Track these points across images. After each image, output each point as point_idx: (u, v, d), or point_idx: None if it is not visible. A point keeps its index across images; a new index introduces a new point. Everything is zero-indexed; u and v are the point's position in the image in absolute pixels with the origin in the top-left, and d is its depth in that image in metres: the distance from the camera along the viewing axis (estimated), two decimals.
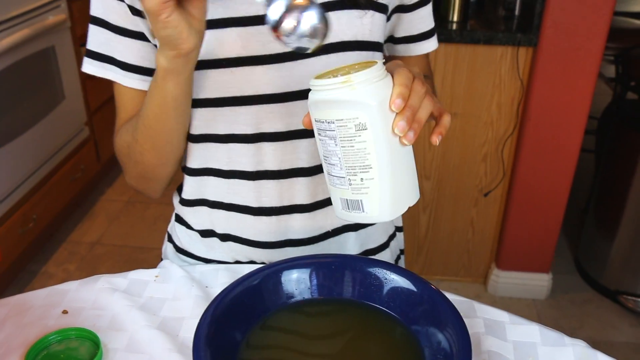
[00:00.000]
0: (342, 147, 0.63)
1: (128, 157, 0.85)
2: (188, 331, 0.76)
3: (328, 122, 0.62)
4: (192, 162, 0.89)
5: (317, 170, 0.86)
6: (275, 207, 0.87)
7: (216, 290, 0.82)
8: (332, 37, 0.80)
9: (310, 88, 0.64)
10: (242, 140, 0.84)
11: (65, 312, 0.81)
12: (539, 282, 2.24)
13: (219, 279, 0.86)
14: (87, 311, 0.81)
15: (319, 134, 0.65)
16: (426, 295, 0.69)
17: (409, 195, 0.67)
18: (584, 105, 1.92)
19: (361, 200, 0.65)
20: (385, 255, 0.98)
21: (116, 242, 2.63)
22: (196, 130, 0.85)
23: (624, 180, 2.10)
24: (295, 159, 0.84)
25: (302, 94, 0.81)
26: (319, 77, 0.65)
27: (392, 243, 1.01)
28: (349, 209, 0.66)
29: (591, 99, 1.91)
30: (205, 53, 0.78)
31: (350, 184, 0.64)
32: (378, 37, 0.84)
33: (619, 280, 2.21)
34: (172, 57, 0.69)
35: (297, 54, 0.79)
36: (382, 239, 0.97)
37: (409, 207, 0.68)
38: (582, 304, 2.24)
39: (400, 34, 0.94)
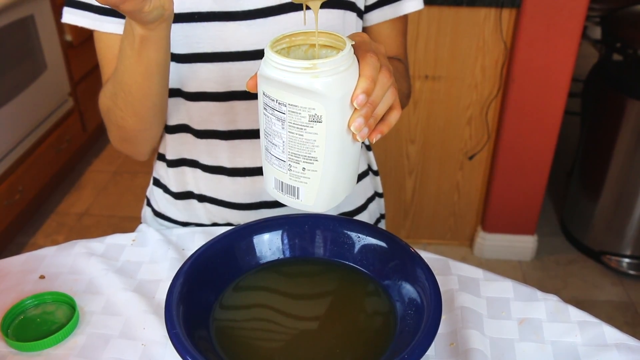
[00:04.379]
0: (289, 132, 0.57)
1: (109, 120, 0.84)
2: (164, 293, 0.77)
3: (279, 103, 0.56)
4: (169, 120, 0.89)
5: None
6: (250, 168, 0.87)
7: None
8: None
9: (265, 58, 0.56)
10: (214, 98, 0.83)
11: (42, 277, 0.81)
12: (524, 244, 2.26)
13: (196, 242, 0.86)
14: (64, 276, 0.81)
15: (265, 108, 0.58)
16: (397, 252, 0.70)
17: (348, 186, 0.63)
18: (568, 67, 1.91)
19: (298, 188, 0.60)
20: (363, 218, 0.99)
21: (104, 213, 2.62)
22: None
23: (608, 142, 2.11)
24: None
25: None
26: (275, 44, 0.58)
27: (371, 206, 1.01)
28: (282, 191, 0.61)
29: (574, 61, 1.91)
30: (177, 6, 0.76)
31: (289, 169, 0.59)
32: None
33: (603, 241, 2.24)
34: (155, 26, 0.66)
35: (268, 11, 0.78)
36: (360, 202, 0.98)
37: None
38: (567, 264, 2.27)
39: None
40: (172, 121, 0.89)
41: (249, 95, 0.82)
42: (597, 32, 2.88)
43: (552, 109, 1.99)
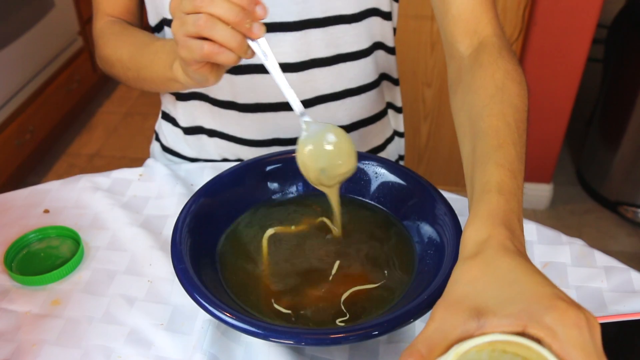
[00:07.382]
0: None
1: (116, 75, 0.83)
2: (171, 229, 0.74)
3: None
4: None
5: (304, 66, 0.81)
6: (262, 104, 0.83)
7: None
8: None
9: None
10: None
11: (46, 211, 0.79)
12: (539, 192, 2.22)
13: (205, 177, 0.83)
14: (69, 210, 0.79)
15: None
16: (417, 189, 0.66)
17: None
18: (594, 10, 1.83)
19: None
20: None
21: (115, 154, 2.60)
22: None
23: (630, 90, 2.04)
24: (279, 52, 0.79)
25: None
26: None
27: (390, 147, 0.97)
28: None
29: (602, 3, 1.83)
30: None
31: None
32: None
33: (620, 191, 2.19)
34: (193, 85, 0.66)
35: None
36: (377, 142, 0.94)
37: None
38: (582, 214, 2.23)
39: None
40: None
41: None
42: None
43: (574, 55, 1.92)
